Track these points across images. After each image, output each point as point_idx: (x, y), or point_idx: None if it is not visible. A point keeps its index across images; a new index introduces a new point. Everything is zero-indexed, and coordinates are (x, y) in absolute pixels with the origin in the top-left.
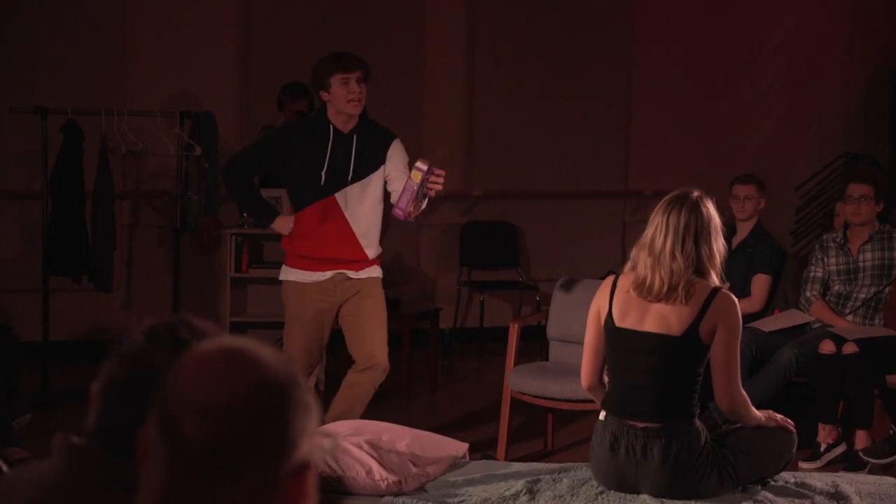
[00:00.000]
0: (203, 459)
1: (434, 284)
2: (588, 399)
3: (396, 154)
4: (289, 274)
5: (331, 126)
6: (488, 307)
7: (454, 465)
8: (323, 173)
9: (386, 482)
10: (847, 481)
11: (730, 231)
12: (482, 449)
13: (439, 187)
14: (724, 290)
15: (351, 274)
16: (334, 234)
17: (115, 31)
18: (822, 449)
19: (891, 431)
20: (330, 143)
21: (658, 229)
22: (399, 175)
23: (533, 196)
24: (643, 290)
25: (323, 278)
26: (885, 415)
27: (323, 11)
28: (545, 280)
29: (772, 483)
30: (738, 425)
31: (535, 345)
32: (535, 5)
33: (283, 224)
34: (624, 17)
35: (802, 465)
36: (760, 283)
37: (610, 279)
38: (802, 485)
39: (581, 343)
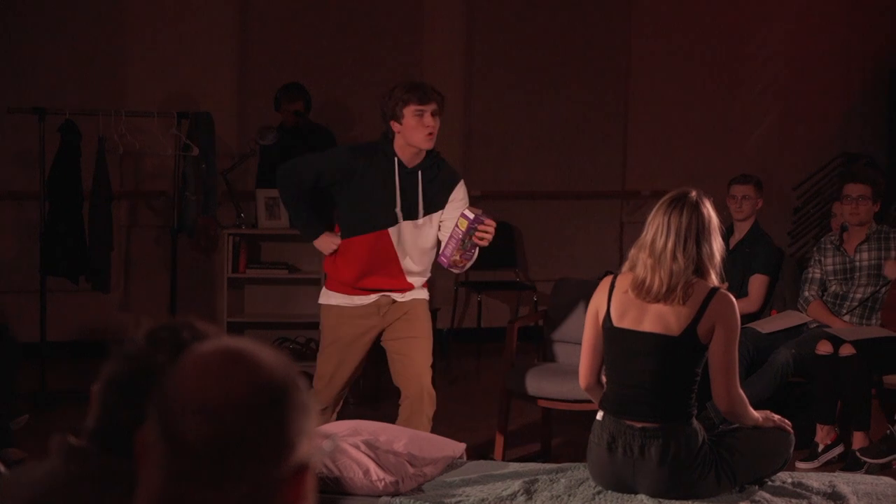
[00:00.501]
0: (201, 460)
1: (432, 285)
2: (586, 399)
3: (458, 199)
4: (330, 298)
5: (396, 158)
6: (486, 307)
7: (451, 465)
8: (381, 207)
9: (383, 482)
10: (844, 481)
11: (727, 231)
12: (480, 449)
13: (488, 238)
14: (723, 291)
15: (396, 297)
16: (382, 268)
17: (113, 31)
18: (820, 449)
19: (888, 431)
20: (396, 176)
21: (659, 230)
22: (453, 222)
23: (531, 196)
24: (642, 290)
25: (366, 302)
26: (882, 415)
27: (320, 12)
28: (543, 280)
29: (769, 483)
30: (736, 425)
31: (533, 345)
32: (533, 7)
33: (327, 243)
34: (621, 19)
35: (800, 465)
36: (758, 284)
37: (608, 279)
38: (799, 485)
39: (579, 343)
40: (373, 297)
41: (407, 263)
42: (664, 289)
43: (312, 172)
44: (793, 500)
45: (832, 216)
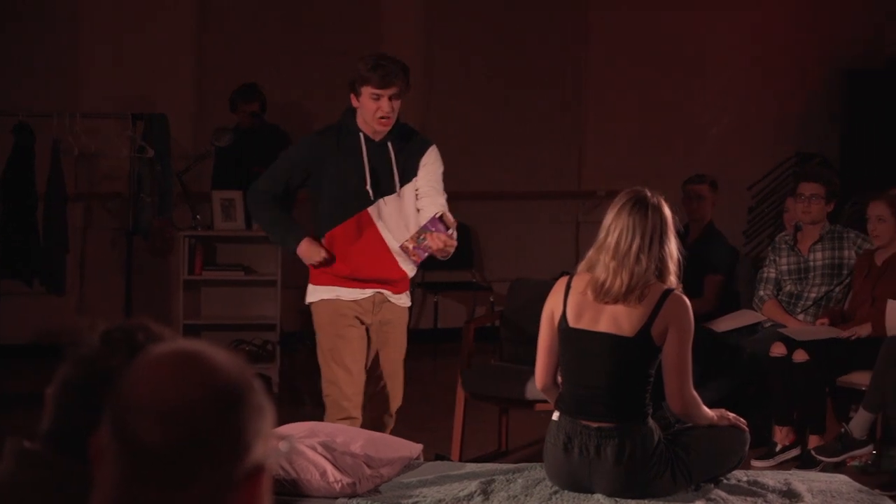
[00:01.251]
0: (157, 463)
1: None
2: (542, 399)
3: (431, 163)
4: (322, 293)
5: (361, 134)
6: (443, 308)
7: (408, 466)
8: (355, 186)
9: (340, 484)
10: (799, 479)
11: (683, 231)
12: (436, 450)
13: (434, 248)
14: (677, 292)
15: (390, 296)
16: (370, 252)
17: (68, 32)
18: (778, 449)
19: (842, 430)
20: (364, 152)
21: (624, 232)
22: (430, 188)
23: (487, 197)
24: (600, 292)
25: (363, 296)
26: (836, 414)
27: (276, 13)
28: (499, 281)
29: (725, 481)
30: (691, 424)
31: (489, 345)
32: (489, 8)
33: (309, 251)
34: (578, 20)
35: (755, 463)
36: (712, 284)
37: (564, 280)
38: (755, 483)
39: (535, 344)
40: (369, 293)
41: (392, 242)
42: (624, 289)
43: (279, 177)
44: (748, 499)
45: (785, 210)
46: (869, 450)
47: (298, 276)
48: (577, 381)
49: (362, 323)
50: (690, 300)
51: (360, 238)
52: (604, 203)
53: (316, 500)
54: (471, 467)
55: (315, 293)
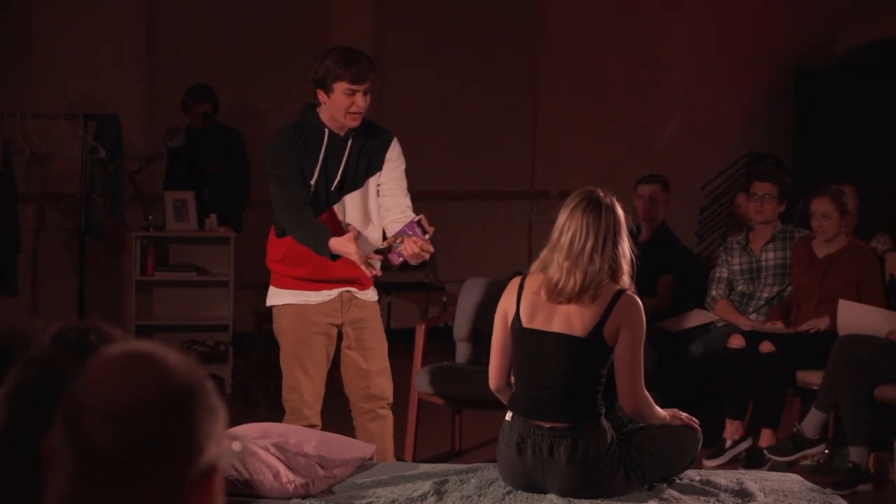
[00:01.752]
0: (108, 464)
1: None
2: (495, 400)
3: (395, 159)
4: (284, 297)
5: (326, 130)
6: (395, 308)
7: (362, 466)
8: (320, 183)
9: (293, 485)
10: (751, 478)
11: (635, 231)
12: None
13: (409, 254)
14: (629, 293)
15: (357, 293)
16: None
17: (19, 32)
18: (727, 445)
19: (794, 429)
20: (324, 148)
21: (578, 232)
22: (394, 185)
23: (439, 197)
24: (554, 292)
25: (329, 298)
26: (790, 413)
27: (227, 14)
28: (452, 281)
29: (677, 481)
30: (644, 424)
31: (442, 345)
32: (442, 7)
33: (341, 243)
34: (530, 20)
35: (706, 462)
36: (665, 283)
37: (517, 280)
38: (707, 482)
39: (488, 344)
40: (335, 293)
41: (360, 241)
42: (577, 289)
43: (293, 183)
44: (701, 498)
45: (736, 207)
46: (821, 449)
47: (251, 277)
48: (530, 381)
49: (332, 324)
50: (643, 300)
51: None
52: (556, 203)
53: (269, 500)
54: (424, 468)
55: (278, 296)
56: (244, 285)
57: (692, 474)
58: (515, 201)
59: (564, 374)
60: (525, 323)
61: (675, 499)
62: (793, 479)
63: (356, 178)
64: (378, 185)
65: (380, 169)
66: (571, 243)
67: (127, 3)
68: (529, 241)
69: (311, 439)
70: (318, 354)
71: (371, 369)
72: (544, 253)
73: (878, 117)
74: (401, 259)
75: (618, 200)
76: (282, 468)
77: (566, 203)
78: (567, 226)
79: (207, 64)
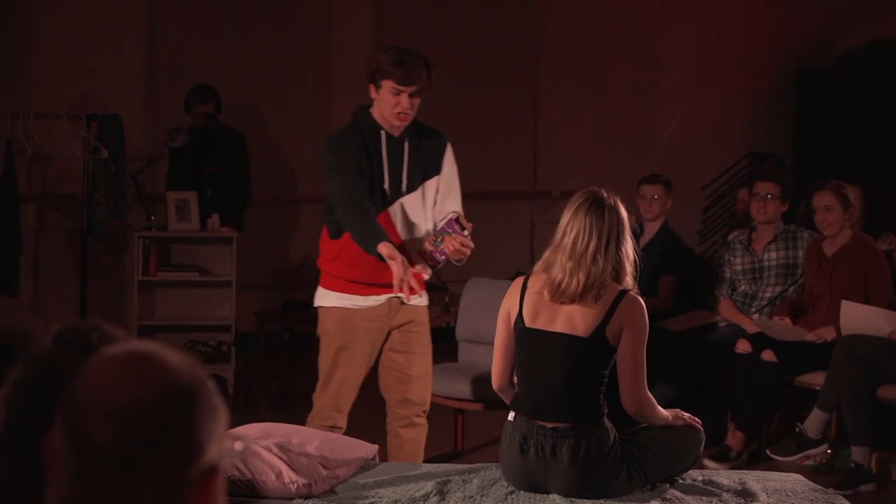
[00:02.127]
0: (109, 464)
1: None
2: (497, 400)
3: (449, 162)
4: (332, 299)
5: (382, 132)
6: None
7: (364, 467)
8: (377, 184)
9: (296, 485)
10: (754, 478)
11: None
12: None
13: (452, 251)
14: (632, 293)
15: (406, 299)
16: None
17: (20, 32)
18: (733, 454)
19: (797, 430)
20: (384, 149)
21: (581, 233)
22: (450, 190)
23: None
24: (557, 292)
25: (377, 303)
26: (792, 413)
27: (229, 14)
28: (454, 281)
29: (680, 481)
30: (647, 424)
31: (445, 346)
32: (442, 6)
33: (390, 250)
34: (531, 19)
35: (708, 463)
36: (667, 283)
37: (520, 280)
38: (710, 482)
39: (490, 344)
40: (383, 298)
41: (414, 244)
42: (580, 290)
43: (353, 182)
44: (703, 498)
45: (738, 201)
46: (823, 449)
47: (253, 277)
48: (532, 381)
49: (378, 330)
50: (645, 300)
51: None
52: (558, 203)
53: (271, 500)
54: (427, 468)
55: (326, 297)
56: (246, 285)
57: (694, 474)
58: (517, 201)
59: (567, 375)
60: (528, 323)
61: (678, 499)
62: (795, 479)
63: (413, 181)
64: (436, 190)
65: (437, 173)
66: (574, 244)
67: (128, 3)
68: (531, 241)
69: (313, 439)
70: (359, 361)
71: (413, 374)
72: (547, 253)
73: (878, 117)
74: (444, 257)
75: (621, 201)
76: (284, 468)
77: (569, 203)
78: (570, 226)
79: (208, 64)
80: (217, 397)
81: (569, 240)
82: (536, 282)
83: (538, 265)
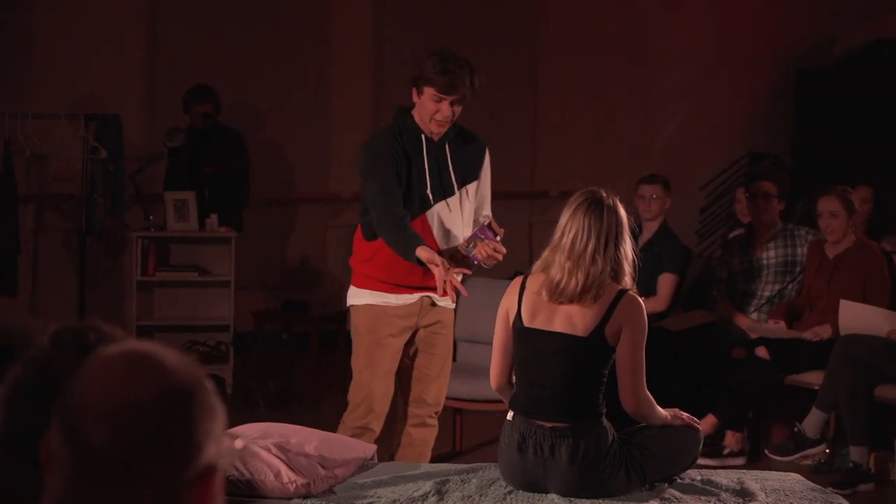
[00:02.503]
0: (107, 464)
1: (342, 286)
2: (496, 399)
3: (487, 168)
4: (365, 297)
5: (423, 136)
6: None
7: (363, 466)
8: (416, 188)
9: (294, 485)
10: (752, 478)
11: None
12: (390, 450)
13: (484, 256)
14: (631, 293)
15: (437, 300)
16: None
17: (19, 32)
18: (725, 452)
19: (795, 429)
20: (425, 152)
21: (579, 233)
22: (486, 198)
23: None
24: (555, 292)
25: (410, 301)
26: (790, 413)
27: (228, 14)
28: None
29: (678, 480)
30: (645, 424)
31: None
32: (442, 5)
33: (430, 254)
34: (530, 19)
35: (702, 460)
36: (666, 283)
37: (518, 279)
38: (708, 482)
39: (489, 344)
40: (416, 297)
41: (449, 249)
42: (579, 290)
43: (390, 190)
44: (702, 498)
45: (736, 202)
46: (822, 449)
47: (252, 277)
48: (531, 380)
49: (408, 328)
50: (644, 300)
51: None
52: (557, 203)
53: (270, 500)
54: (425, 467)
55: (359, 296)
56: (245, 285)
57: (693, 474)
58: (516, 201)
59: (565, 374)
60: (526, 322)
61: (677, 498)
62: (794, 479)
63: (451, 186)
64: (474, 196)
65: (477, 178)
66: (573, 244)
67: (127, 4)
68: (530, 241)
69: (312, 439)
70: (392, 357)
71: (431, 374)
72: (546, 253)
73: (877, 117)
74: (476, 262)
75: (620, 201)
76: (283, 468)
77: (568, 203)
78: (569, 226)
79: (207, 64)
80: (215, 397)
81: (567, 240)
82: (535, 281)
83: (537, 265)
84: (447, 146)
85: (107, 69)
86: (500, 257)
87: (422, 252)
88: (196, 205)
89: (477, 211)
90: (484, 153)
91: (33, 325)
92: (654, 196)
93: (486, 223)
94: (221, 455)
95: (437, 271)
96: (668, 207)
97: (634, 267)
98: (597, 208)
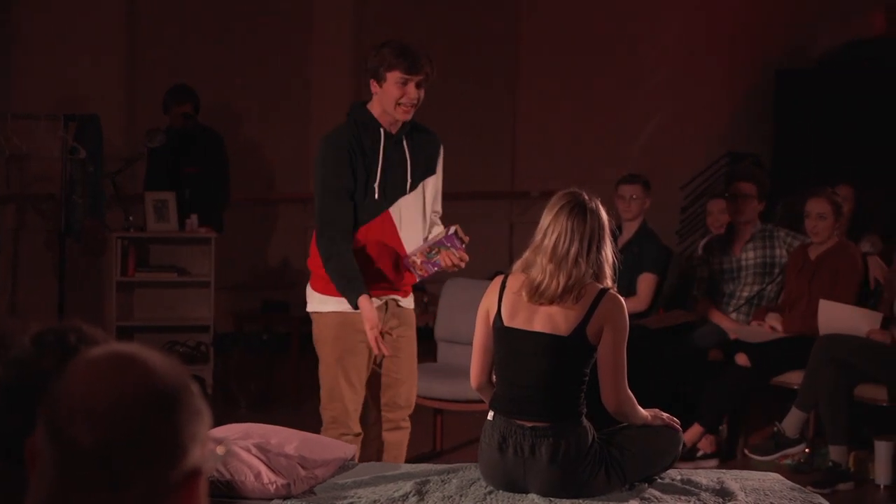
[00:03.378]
0: (91, 465)
1: None
2: (476, 399)
3: (441, 164)
4: (329, 303)
5: (381, 129)
6: None
7: (343, 467)
8: (378, 184)
9: (275, 485)
10: (732, 478)
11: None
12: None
13: (448, 264)
14: (612, 292)
15: (400, 301)
16: (388, 256)
17: None
18: (698, 454)
19: (775, 429)
20: (382, 148)
21: (562, 236)
22: (438, 192)
23: None
24: (535, 293)
25: (377, 305)
26: (770, 413)
27: (207, 14)
28: (433, 281)
29: (658, 480)
30: (626, 424)
31: (424, 346)
32: (421, 5)
33: (369, 312)
34: (511, 18)
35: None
36: (646, 283)
37: (499, 279)
38: (688, 482)
39: (469, 344)
40: (381, 300)
41: (409, 244)
42: (559, 291)
43: (339, 205)
44: (682, 497)
45: (707, 214)
46: (802, 448)
47: (232, 278)
48: (511, 380)
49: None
50: (624, 299)
51: (381, 241)
52: (537, 203)
53: (250, 501)
54: (406, 468)
55: (323, 303)
56: (225, 286)
57: (673, 474)
58: (496, 201)
59: (545, 374)
60: (506, 322)
61: (657, 498)
62: (773, 478)
63: (414, 181)
64: (431, 190)
65: (433, 173)
66: (556, 246)
67: (107, 4)
68: (510, 241)
69: (292, 440)
70: (362, 363)
71: (402, 378)
72: (527, 254)
73: (857, 117)
74: (435, 269)
75: (598, 200)
76: (263, 469)
77: (550, 204)
78: (551, 228)
79: (187, 64)
80: (200, 399)
81: (549, 242)
82: (515, 281)
83: (517, 265)
84: (405, 140)
85: (86, 69)
86: (463, 265)
87: (364, 303)
88: (176, 205)
89: (433, 206)
90: (440, 147)
91: (13, 326)
92: (634, 196)
93: (452, 231)
94: (206, 458)
95: (371, 333)
96: (647, 207)
97: (615, 269)
98: (580, 212)
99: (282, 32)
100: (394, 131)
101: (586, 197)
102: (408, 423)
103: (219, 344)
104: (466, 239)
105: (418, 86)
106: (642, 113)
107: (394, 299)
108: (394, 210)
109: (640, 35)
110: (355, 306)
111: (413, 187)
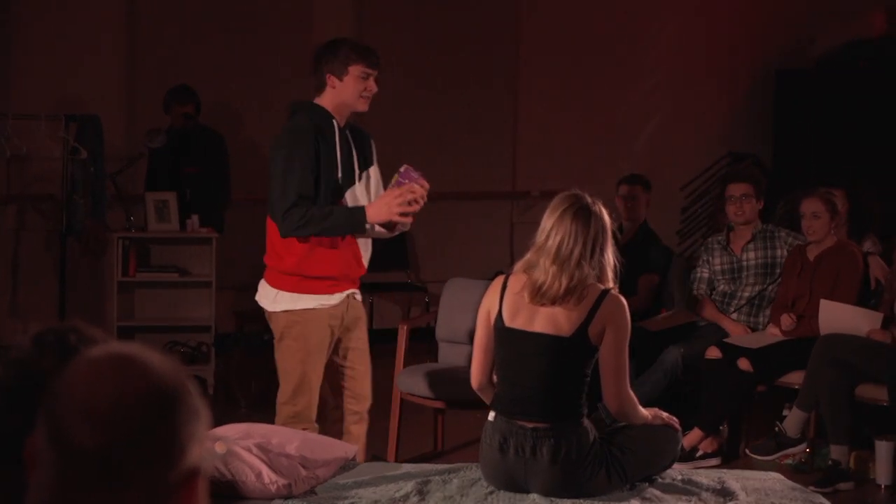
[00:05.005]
0: (91, 466)
1: None
2: (477, 399)
3: (375, 154)
4: (297, 301)
5: (334, 121)
6: (377, 309)
7: (344, 467)
8: (333, 175)
9: (276, 485)
10: (733, 477)
11: (617, 231)
12: (372, 451)
13: (414, 196)
14: (614, 292)
15: (355, 293)
16: (346, 246)
17: None
18: (698, 454)
19: (776, 429)
20: (337, 138)
21: (566, 238)
22: (379, 182)
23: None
24: (537, 294)
25: (338, 301)
26: (771, 412)
27: (208, 14)
28: (434, 281)
29: (659, 480)
30: (626, 424)
31: (425, 346)
32: (422, 7)
33: (379, 209)
34: (511, 18)
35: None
36: (646, 283)
37: (500, 279)
38: (689, 481)
39: (470, 344)
40: (342, 295)
41: (362, 238)
42: (562, 292)
43: (308, 181)
44: (683, 497)
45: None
46: (803, 448)
47: (233, 278)
48: (512, 380)
49: (336, 327)
50: (625, 300)
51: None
52: (539, 203)
53: (251, 501)
54: (406, 468)
55: (290, 300)
56: (226, 286)
57: (674, 473)
58: (497, 202)
59: (546, 374)
60: (507, 322)
61: (657, 498)
62: (774, 478)
63: (361, 170)
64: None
65: (373, 163)
66: (559, 248)
67: (107, 4)
68: (511, 241)
69: (293, 440)
70: (324, 360)
71: (362, 369)
72: (529, 255)
73: (856, 117)
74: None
75: (600, 202)
76: (264, 469)
77: (552, 206)
78: (555, 230)
79: (188, 64)
80: (199, 399)
81: (553, 243)
82: (517, 282)
83: (519, 265)
84: (348, 133)
85: (87, 70)
86: (422, 203)
87: (370, 210)
88: (177, 205)
89: (378, 192)
90: (371, 139)
91: (14, 327)
92: (635, 196)
93: (403, 169)
94: (206, 458)
95: (396, 206)
96: (648, 207)
97: (616, 272)
98: (584, 214)
99: (283, 32)
100: (342, 124)
101: (589, 199)
102: (367, 416)
103: (220, 344)
104: (419, 171)
105: (375, 80)
106: (642, 113)
107: (352, 293)
108: (348, 199)
109: (640, 35)
110: (365, 221)
111: (359, 177)
